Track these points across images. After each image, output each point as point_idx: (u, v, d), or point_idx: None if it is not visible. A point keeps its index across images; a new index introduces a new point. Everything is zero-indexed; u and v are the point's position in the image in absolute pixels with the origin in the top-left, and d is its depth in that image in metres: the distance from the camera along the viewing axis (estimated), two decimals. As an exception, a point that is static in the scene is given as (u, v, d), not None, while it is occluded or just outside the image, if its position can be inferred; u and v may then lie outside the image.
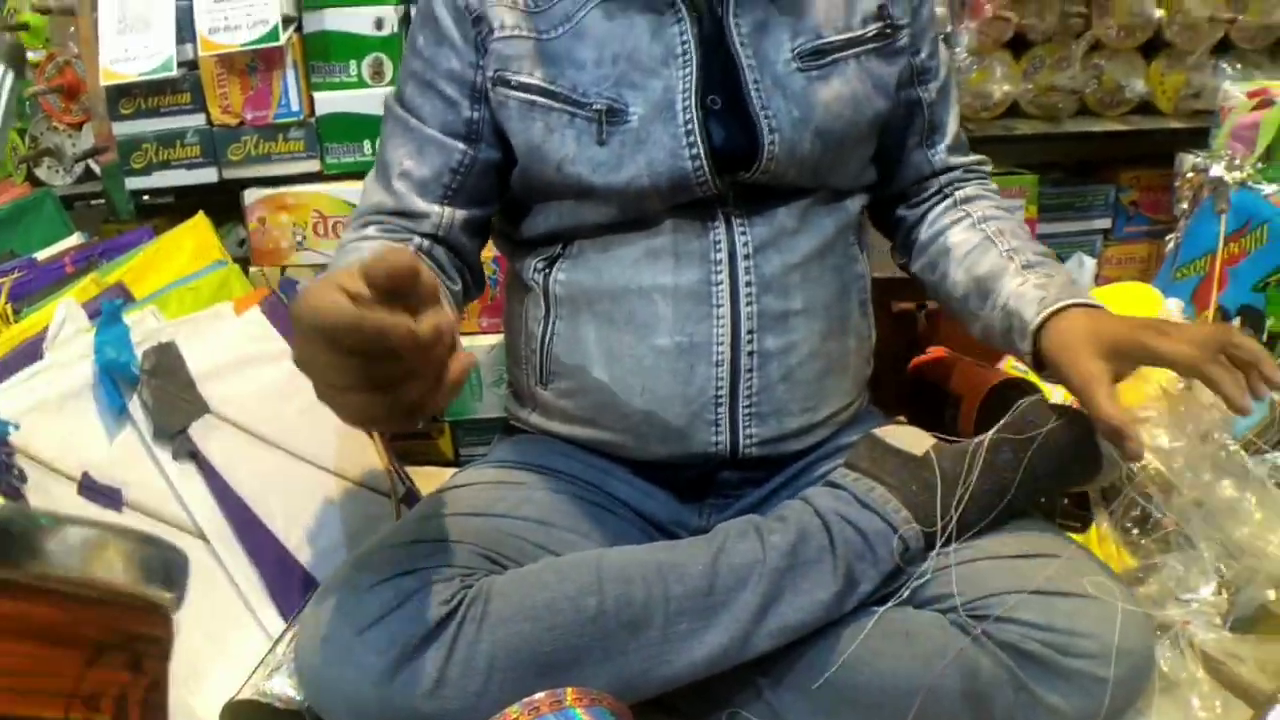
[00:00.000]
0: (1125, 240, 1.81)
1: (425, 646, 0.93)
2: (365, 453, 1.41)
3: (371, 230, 1.08)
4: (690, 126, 1.02)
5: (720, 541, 1.01)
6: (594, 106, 1.03)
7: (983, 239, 1.12)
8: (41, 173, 1.77)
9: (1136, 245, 1.81)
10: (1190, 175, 1.58)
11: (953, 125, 1.19)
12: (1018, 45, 1.65)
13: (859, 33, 1.07)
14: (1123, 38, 1.68)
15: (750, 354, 1.06)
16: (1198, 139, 1.64)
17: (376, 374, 0.72)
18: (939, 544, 1.01)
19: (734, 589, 0.98)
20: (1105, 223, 1.82)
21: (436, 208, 1.09)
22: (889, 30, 1.09)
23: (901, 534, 1.00)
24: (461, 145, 1.09)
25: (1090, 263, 1.52)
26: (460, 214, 1.10)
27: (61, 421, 1.16)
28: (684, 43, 1.03)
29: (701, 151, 1.02)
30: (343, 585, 0.98)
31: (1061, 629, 0.92)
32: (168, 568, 0.62)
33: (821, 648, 0.99)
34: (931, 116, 1.17)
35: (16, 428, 1.09)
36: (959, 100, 1.22)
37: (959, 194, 1.18)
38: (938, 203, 1.19)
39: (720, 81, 1.03)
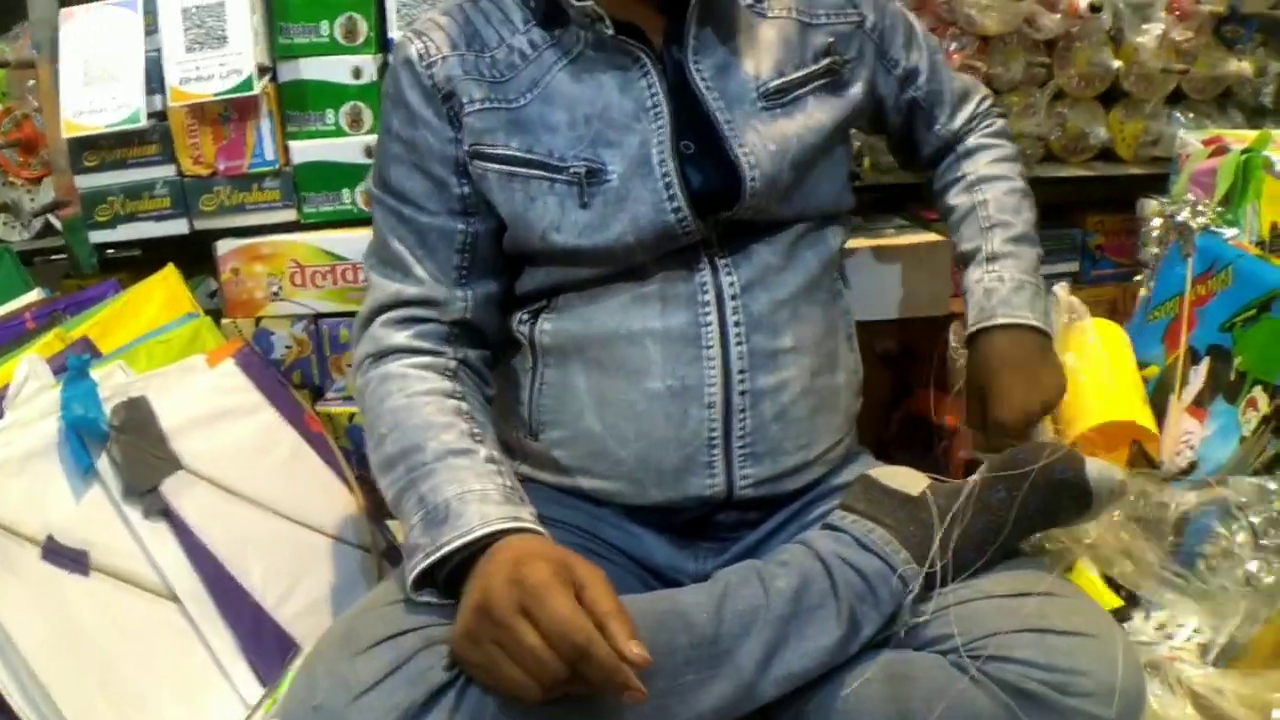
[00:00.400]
0: (1093, 283, 1.84)
1: (428, 710, 0.88)
2: (345, 508, 1.39)
3: (404, 363, 1.06)
4: (669, 179, 1.03)
5: (723, 588, 1.00)
6: (572, 170, 1.03)
7: (970, 210, 1.24)
8: (-4, 228, 1.73)
9: (1104, 288, 1.84)
10: (1159, 221, 1.61)
11: (946, 90, 1.26)
12: (985, 94, 1.68)
13: (813, 68, 1.11)
14: (1083, 87, 1.72)
15: (743, 394, 1.05)
16: (1158, 184, 1.68)
17: (560, 681, 0.83)
18: (935, 584, 1.00)
19: (739, 637, 0.96)
20: (1073, 266, 1.85)
21: (458, 291, 1.08)
22: (836, 66, 1.12)
23: (901, 573, 1.00)
24: (460, 225, 1.08)
25: (1061, 292, 1.54)
26: (480, 292, 1.10)
27: (24, 482, 1.13)
28: (653, 95, 1.04)
29: (683, 201, 1.03)
30: (336, 646, 0.94)
31: (1061, 668, 0.92)
32: None
33: (825, 693, 0.98)
34: (929, 103, 1.24)
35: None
36: (946, 60, 1.31)
37: (961, 148, 1.27)
38: (947, 155, 1.28)
39: (691, 126, 1.04)
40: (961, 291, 1.23)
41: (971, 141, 1.26)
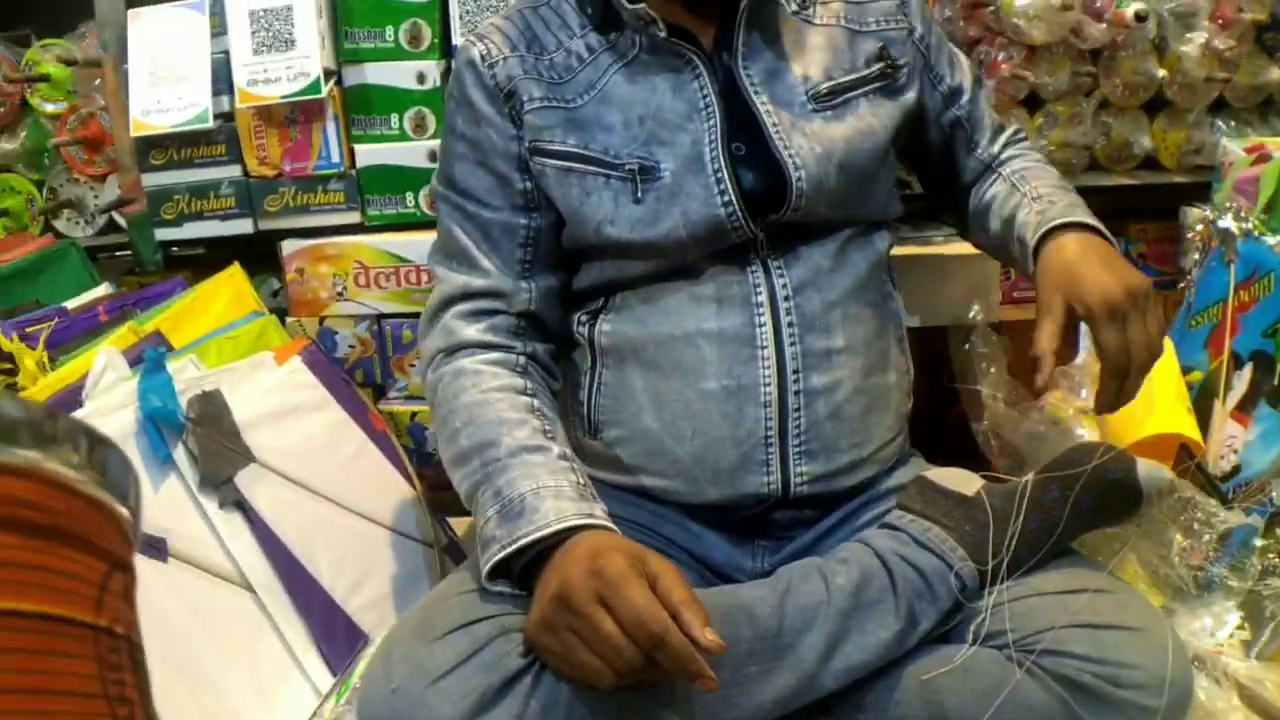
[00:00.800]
0: (1136, 291, 1.85)
1: (503, 695, 0.92)
2: (407, 504, 1.42)
3: (476, 359, 1.09)
4: (720, 175, 1.06)
5: (785, 583, 1.02)
6: (627, 167, 1.07)
7: (1010, 187, 1.21)
8: (61, 224, 1.76)
9: (1147, 295, 1.85)
10: (1200, 228, 1.63)
11: (986, 117, 1.27)
12: (1032, 103, 1.70)
13: (864, 73, 1.13)
14: (1128, 96, 1.74)
15: (797, 393, 1.08)
16: (1201, 193, 1.70)
17: (635, 668, 0.87)
18: (990, 581, 1.03)
19: (801, 630, 0.99)
20: (1117, 274, 1.86)
21: (523, 283, 1.12)
22: (890, 70, 1.14)
23: (958, 571, 1.02)
24: (523, 219, 1.12)
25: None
26: (542, 285, 1.13)
27: None
28: (705, 96, 1.08)
29: (733, 196, 1.06)
30: (412, 632, 0.97)
31: (1112, 661, 0.94)
32: (133, 482, 0.52)
33: (883, 686, 1.01)
34: (971, 126, 1.25)
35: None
36: (987, 93, 1.31)
37: (1000, 167, 1.26)
38: (987, 175, 1.27)
39: (742, 129, 1.07)
40: (1012, 247, 1.16)
41: (1006, 154, 1.27)
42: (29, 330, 1.28)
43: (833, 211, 1.10)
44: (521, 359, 1.11)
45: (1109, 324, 1.01)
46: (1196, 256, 1.63)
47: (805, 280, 1.09)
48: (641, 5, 1.05)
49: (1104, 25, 1.65)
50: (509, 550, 0.94)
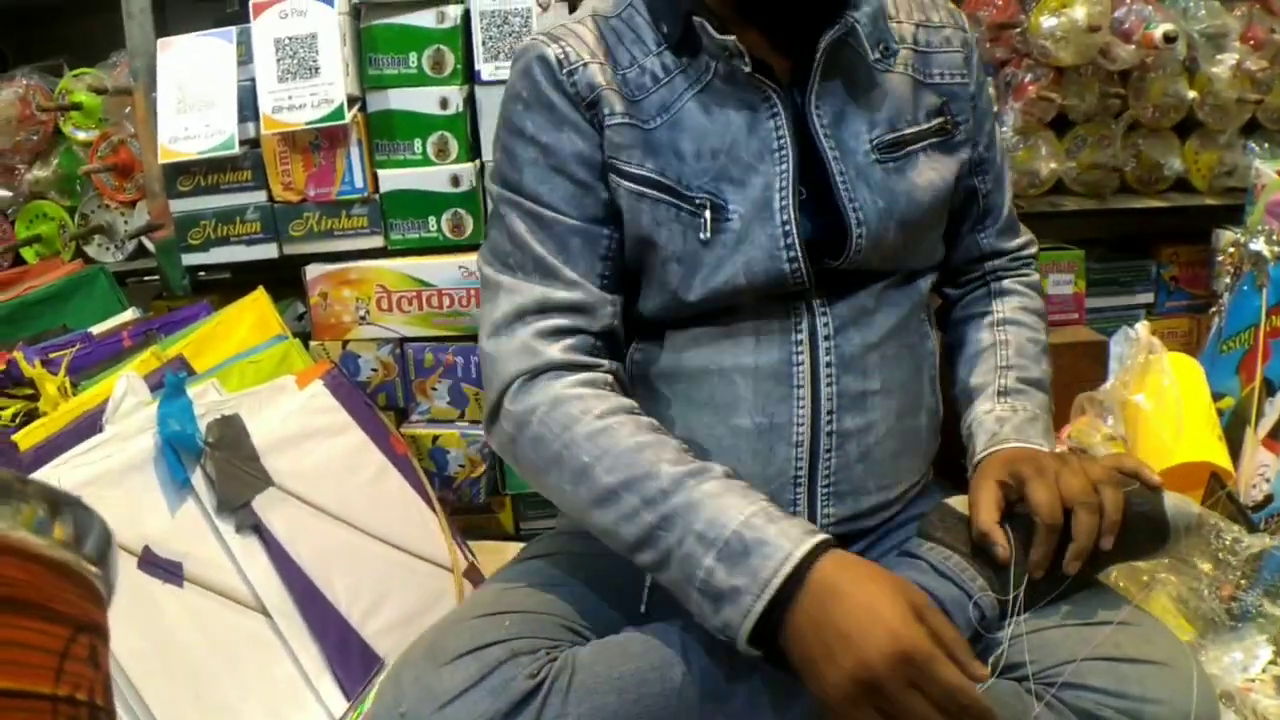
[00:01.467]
0: (1168, 314, 1.84)
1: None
2: (427, 527, 1.41)
3: (567, 381, 1.00)
4: (789, 228, 1.01)
5: None
6: (697, 201, 1.02)
7: (989, 346, 1.16)
8: (92, 250, 1.78)
9: (1178, 319, 1.83)
10: (1231, 250, 1.61)
11: (1004, 208, 1.21)
12: (1061, 125, 1.69)
13: (925, 126, 1.09)
14: (1158, 118, 1.72)
15: (829, 434, 1.05)
16: (1233, 215, 1.68)
17: None
18: (1010, 612, 1.01)
19: None
20: (1148, 297, 1.85)
21: (607, 297, 1.05)
22: (949, 126, 1.11)
23: (977, 600, 1.00)
24: (605, 230, 1.05)
25: (1142, 329, 1.53)
26: (619, 300, 1.07)
27: (122, 494, 1.16)
28: (779, 137, 1.03)
29: (799, 252, 1.01)
30: (423, 657, 0.97)
31: (1134, 696, 0.92)
32: (103, 540, 0.51)
33: None
34: (985, 203, 1.19)
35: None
36: (1011, 181, 1.24)
37: (995, 285, 1.20)
38: (977, 287, 1.21)
39: (807, 173, 1.03)
40: (962, 428, 1.14)
41: (1007, 283, 1.21)
42: (51, 356, 1.30)
43: (883, 263, 1.07)
44: (609, 377, 1.03)
45: (1038, 479, 0.98)
46: (1228, 280, 1.61)
47: (847, 320, 1.06)
48: (731, 38, 1.00)
49: (1133, 47, 1.63)
50: (768, 597, 0.86)
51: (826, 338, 1.05)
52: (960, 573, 1.02)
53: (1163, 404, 1.43)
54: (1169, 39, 1.61)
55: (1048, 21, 1.59)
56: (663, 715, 0.94)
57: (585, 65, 1.03)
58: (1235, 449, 1.41)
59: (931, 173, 1.08)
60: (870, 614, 0.84)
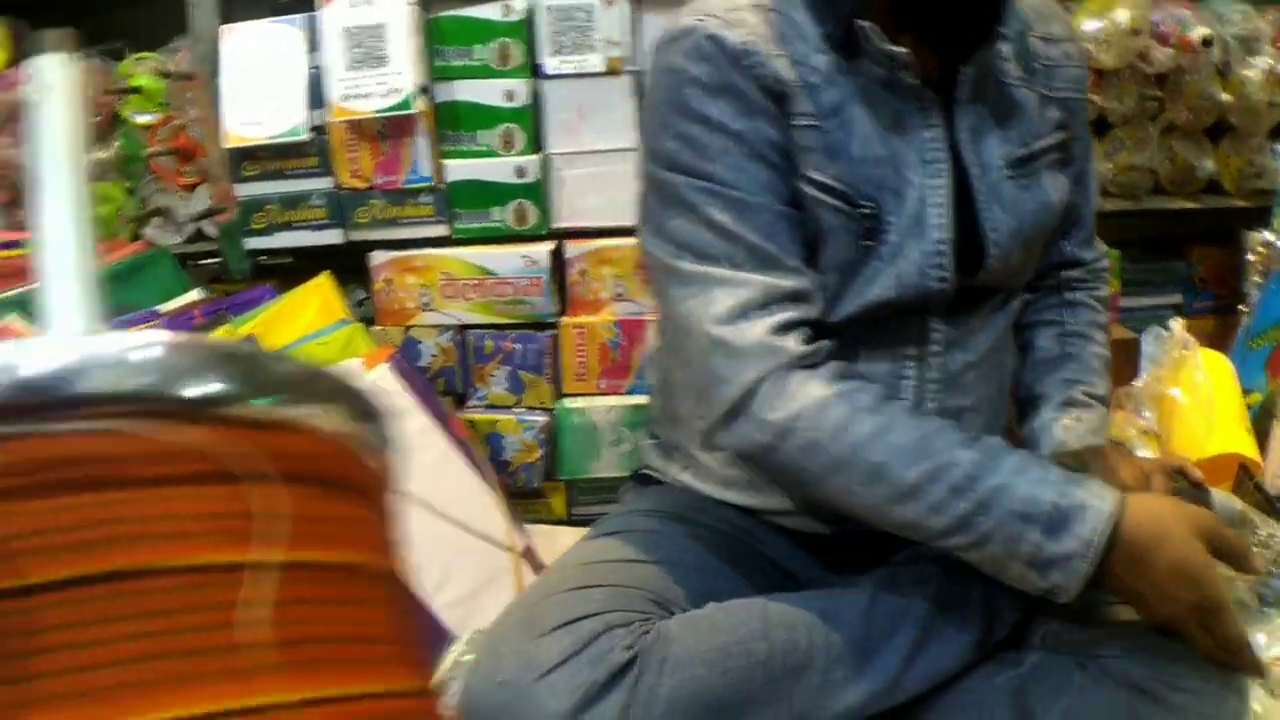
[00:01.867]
0: (1195, 315, 1.87)
1: (608, 691, 0.95)
2: (487, 509, 1.45)
3: (820, 379, 0.96)
4: (943, 246, 1.00)
5: (872, 590, 1.05)
6: (861, 210, 1.01)
7: (1057, 355, 1.18)
8: (150, 232, 1.80)
9: (1205, 320, 1.87)
10: (1260, 250, 1.66)
11: (1090, 220, 1.22)
12: (1099, 127, 1.72)
13: (1050, 142, 1.08)
14: (1192, 120, 1.76)
15: None
16: (1261, 217, 1.72)
17: None
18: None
19: (887, 635, 1.02)
20: (1176, 298, 1.90)
21: (817, 279, 1.02)
22: (1068, 142, 1.11)
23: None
24: (801, 216, 1.01)
25: (1176, 326, 1.57)
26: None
27: None
28: (934, 149, 1.01)
29: (949, 271, 1.01)
30: (518, 628, 1.00)
31: (1172, 667, 0.96)
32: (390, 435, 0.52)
33: (953, 690, 1.03)
34: (1076, 214, 1.19)
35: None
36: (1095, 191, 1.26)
37: (1069, 295, 1.21)
38: (1051, 294, 1.22)
39: (953, 190, 1.02)
40: (1023, 431, 1.16)
41: (1080, 295, 1.22)
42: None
43: (998, 282, 1.08)
44: (841, 367, 0.99)
45: (1097, 463, 1.03)
46: (1257, 279, 1.66)
47: (955, 339, 1.06)
48: (903, 50, 0.97)
49: (1170, 50, 1.67)
50: (1095, 559, 0.90)
51: (935, 354, 1.05)
52: None
53: (1196, 398, 1.48)
54: (1206, 43, 1.65)
55: (1090, 24, 1.63)
56: (747, 687, 0.98)
57: (771, 56, 0.98)
58: (1263, 442, 1.46)
59: (1052, 191, 1.08)
60: (1176, 570, 0.89)
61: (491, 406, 1.64)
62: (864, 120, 1.00)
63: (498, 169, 1.58)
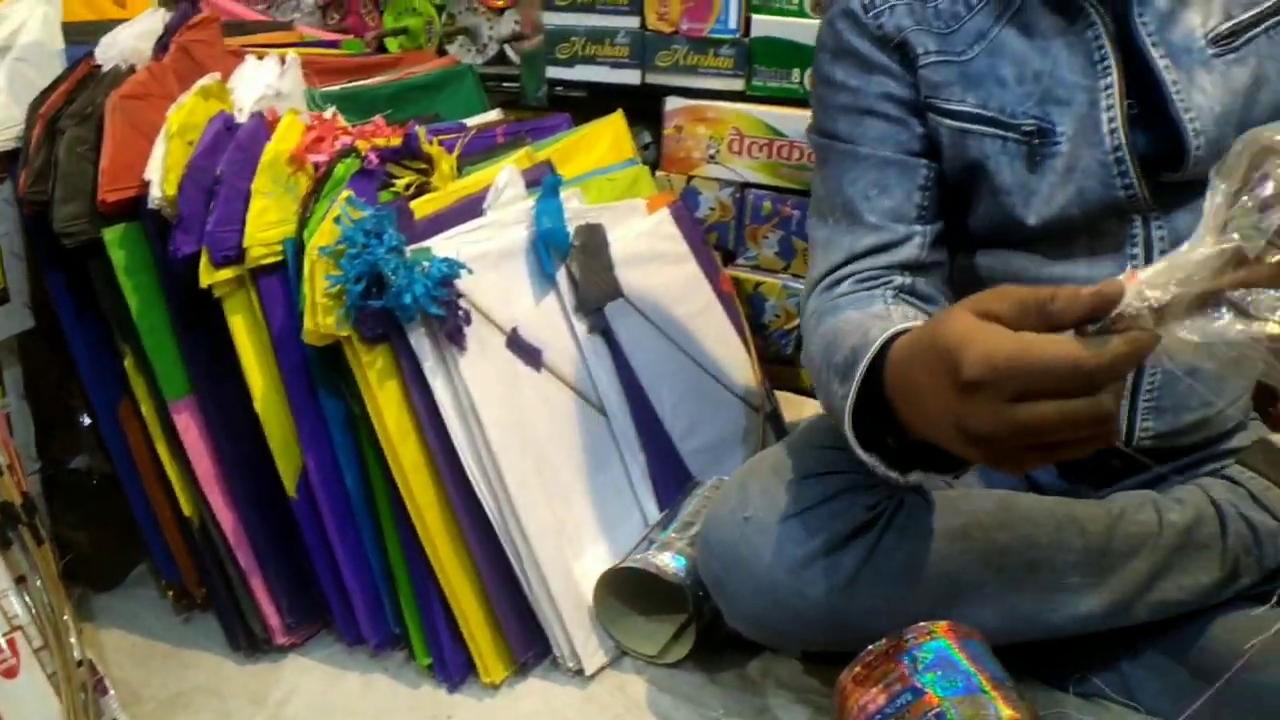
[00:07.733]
0: None
1: (848, 544, 0.99)
2: (742, 366, 1.48)
3: (844, 302, 1.01)
4: (1120, 152, 0.99)
5: (1119, 508, 1.04)
6: (1023, 128, 1.01)
7: None
8: (452, 49, 1.88)
9: None
10: None
11: None
12: None
13: (1263, 7, 1.00)
14: None
15: None
16: None
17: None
18: None
19: (1126, 556, 1.02)
20: None
21: (918, 227, 1.06)
22: None
23: None
24: (922, 163, 1.06)
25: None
26: (934, 229, 1.07)
27: (498, 277, 1.25)
28: (1099, 48, 1.00)
29: (1133, 176, 0.99)
30: (769, 471, 1.04)
31: None
32: None
33: (1188, 632, 1.03)
34: None
35: (470, 271, 1.17)
36: None
37: None
38: None
39: (1134, 84, 1.00)
40: None
41: None
42: (443, 138, 1.40)
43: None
44: (890, 292, 1.02)
45: None
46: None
47: (1182, 234, 1.02)
48: None
49: None
50: (852, 397, 0.84)
51: (1162, 251, 1.02)
52: (1278, 505, 1.04)
53: None
54: None
55: None
56: (981, 571, 1.01)
57: (891, 7, 1.05)
58: None
59: (1271, 61, 1.00)
60: (943, 348, 0.71)
61: (759, 268, 1.66)
62: (1017, 40, 1.01)
63: (805, 30, 1.56)
